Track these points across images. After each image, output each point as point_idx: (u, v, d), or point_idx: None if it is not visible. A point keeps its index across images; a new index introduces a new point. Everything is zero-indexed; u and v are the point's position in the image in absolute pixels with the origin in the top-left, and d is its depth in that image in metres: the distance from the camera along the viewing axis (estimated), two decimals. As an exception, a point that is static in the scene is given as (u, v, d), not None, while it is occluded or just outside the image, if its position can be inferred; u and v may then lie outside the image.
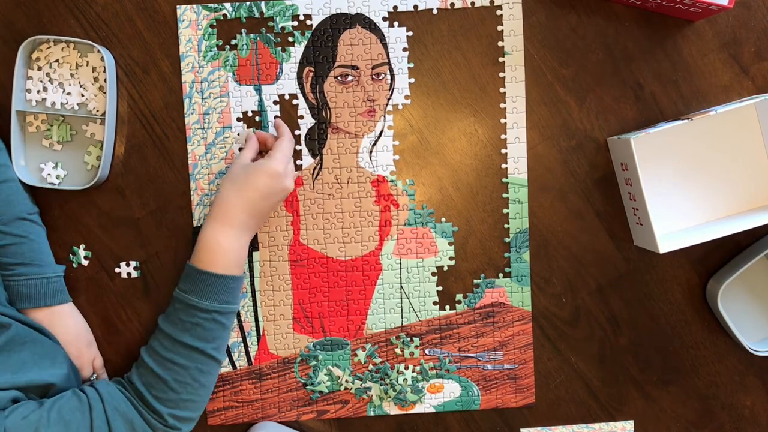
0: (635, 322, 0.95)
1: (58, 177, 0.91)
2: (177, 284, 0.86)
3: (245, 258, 0.88)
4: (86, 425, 0.76)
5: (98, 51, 0.89)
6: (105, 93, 0.89)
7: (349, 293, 0.94)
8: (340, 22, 0.92)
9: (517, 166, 0.93)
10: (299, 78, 0.92)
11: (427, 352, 0.95)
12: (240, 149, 0.92)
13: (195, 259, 0.85)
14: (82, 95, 0.90)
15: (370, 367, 0.95)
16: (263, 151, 0.91)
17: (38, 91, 0.90)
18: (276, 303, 0.94)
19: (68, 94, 0.90)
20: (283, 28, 0.92)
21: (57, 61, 0.90)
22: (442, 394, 0.95)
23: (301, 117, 0.93)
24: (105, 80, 0.89)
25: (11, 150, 0.87)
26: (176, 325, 0.83)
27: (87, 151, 0.92)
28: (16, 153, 0.88)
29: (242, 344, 0.94)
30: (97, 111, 0.91)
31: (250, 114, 0.93)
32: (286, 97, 0.93)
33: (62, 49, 0.90)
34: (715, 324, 0.95)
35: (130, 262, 0.93)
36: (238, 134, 0.92)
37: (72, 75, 0.91)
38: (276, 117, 0.92)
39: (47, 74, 0.90)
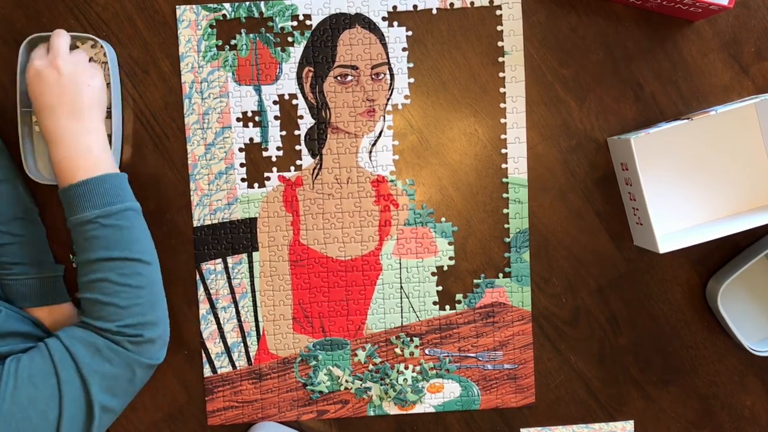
0: (635, 322, 0.95)
1: None
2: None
3: (103, 154, 0.82)
4: (47, 360, 0.73)
5: (100, 46, 0.89)
6: (109, 87, 0.89)
7: (349, 293, 0.94)
8: (339, 22, 0.92)
9: (517, 166, 0.93)
10: (299, 78, 0.92)
11: (427, 352, 0.95)
12: (242, 164, 0.92)
13: (59, 185, 0.81)
14: None
15: (370, 367, 0.95)
16: None
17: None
18: (276, 303, 0.94)
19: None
20: (282, 28, 0.92)
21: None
22: (442, 394, 0.95)
23: (301, 117, 0.93)
24: (108, 73, 0.89)
25: (19, 150, 0.87)
26: (77, 250, 0.79)
27: None
28: (25, 152, 0.88)
29: (242, 344, 0.94)
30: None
31: (249, 114, 0.93)
32: (286, 97, 0.93)
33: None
34: (715, 324, 0.95)
35: None
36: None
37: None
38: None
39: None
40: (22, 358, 0.73)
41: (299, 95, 0.93)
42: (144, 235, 0.82)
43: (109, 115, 0.90)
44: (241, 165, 0.93)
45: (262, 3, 0.91)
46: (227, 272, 0.94)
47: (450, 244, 0.94)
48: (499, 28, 0.92)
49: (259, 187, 0.93)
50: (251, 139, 0.93)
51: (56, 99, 0.80)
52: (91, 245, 0.78)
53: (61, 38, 0.83)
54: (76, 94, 0.81)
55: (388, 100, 0.93)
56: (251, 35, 0.92)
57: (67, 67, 0.81)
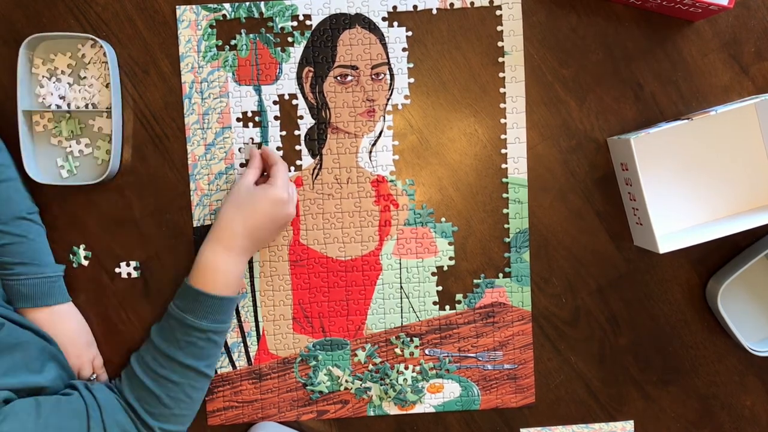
0: (635, 322, 0.95)
1: (69, 172, 0.91)
2: (173, 299, 0.86)
3: (242, 279, 0.89)
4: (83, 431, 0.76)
5: (100, 46, 0.89)
6: (108, 87, 0.90)
7: (348, 293, 0.94)
8: (339, 22, 0.92)
9: (517, 166, 0.93)
10: (299, 78, 0.92)
11: (427, 352, 0.95)
12: (242, 164, 0.92)
13: (193, 279, 0.85)
14: (87, 91, 0.90)
15: (370, 367, 0.95)
16: (264, 170, 0.91)
17: (42, 89, 0.90)
18: (276, 303, 0.94)
19: (72, 90, 0.90)
20: (282, 29, 0.92)
21: (59, 58, 0.90)
22: (442, 394, 0.95)
23: (301, 117, 0.93)
24: (108, 73, 0.89)
25: (20, 150, 0.87)
26: (171, 342, 0.83)
27: (96, 146, 0.92)
28: (26, 153, 0.88)
29: (242, 344, 0.94)
30: (103, 105, 0.91)
31: (249, 114, 0.93)
32: (286, 97, 0.93)
33: (63, 46, 0.91)
34: (715, 324, 0.95)
35: (130, 262, 0.93)
36: (240, 149, 0.92)
37: (74, 71, 0.91)
38: (254, 143, 0.92)
39: (50, 72, 0.90)
40: (61, 413, 0.75)
41: (299, 95, 0.93)
42: (219, 353, 0.89)
43: (109, 115, 0.90)
44: (241, 165, 0.93)
45: (262, 3, 0.91)
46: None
47: (450, 244, 0.94)
48: (499, 28, 0.92)
49: (259, 187, 0.93)
50: (251, 139, 0.93)
51: (265, 229, 0.87)
52: (189, 350, 0.83)
53: (288, 176, 0.90)
54: (274, 235, 0.91)
55: (388, 100, 0.93)
56: (251, 35, 0.92)
57: (292, 216, 0.89)
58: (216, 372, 0.94)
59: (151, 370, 0.83)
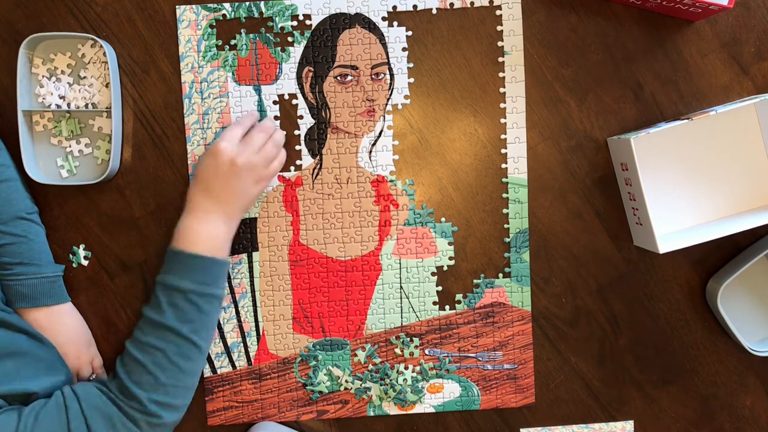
0: (635, 323, 0.95)
1: (69, 172, 0.91)
2: None
3: (226, 243, 0.87)
4: (63, 426, 0.75)
5: (100, 46, 0.89)
6: (108, 86, 0.90)
7: (348, 293, 0.94)
8: (339, 22, 0.92)
9: (516, 166, 0.93)
10: (299, 78, 0.92)
11: (426, 352, 0.95)
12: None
13: (174, 242, 0.85)
14: (87, 90, 0.90)
15: (370, 367, 0.95)
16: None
17: (42, 89, 0.90)
18: (276, 303, 0.94)
19: (72, 90, 0.90)
20: (282, 28, 0.92)
21: (59, 58, 0.90)
22: (441, 394, 0.95)
23: (301, 117, 0.93)
24: (108, 73, 0.89)
25: (20, 150, 0.87)
26: (154, 307, 0.83)
27: (96, 146, 0.92)
28: (26, 153, 0.88)
29: (242, 344, 0.94)
30: (103, 105, 0.91)
31: (286, 97, 0.92)
32: (286, 97, 0.93)
33: (63, 46, 0.91)
34: (714, 324, 0.95)
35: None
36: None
37: (74, 71, 0.91)
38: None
39: (50, 72, 0.90)
40: (39, 416, 0.75)
41: (299, 95, 0.93)
42: (214, 325, 0.87)
43: (108, 115, 0.90)
44: (241, 165, 0.93)
45: (262, 3, 0.91)
46: (227, 272, 0.93)
47: (450, 244, 0.94)
48: (499, 28, 0.92)
49: (259, 187, 0.93)
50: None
51: (219, 184, 0.85)
52: (170, 312, 0.81)
53: (242, 128, 0.88)
54: (244, 190, 0.86)
55: (388, 100, 0.93)
56: (251, 35, 0.92)
57: (242, 165, 0.85)
58: (216, 371, 0.94)
59: (137, 340, 0.82)
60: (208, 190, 0.85)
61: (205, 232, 0.85)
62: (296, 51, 0.92)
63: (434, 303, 0.94)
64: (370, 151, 0.93)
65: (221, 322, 0.94)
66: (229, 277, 0.94)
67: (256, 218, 0.93)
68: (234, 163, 0.84)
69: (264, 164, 0.87)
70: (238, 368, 0.94)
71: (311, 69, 0.92)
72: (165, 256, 0.85)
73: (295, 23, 0.92)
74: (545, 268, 0.94)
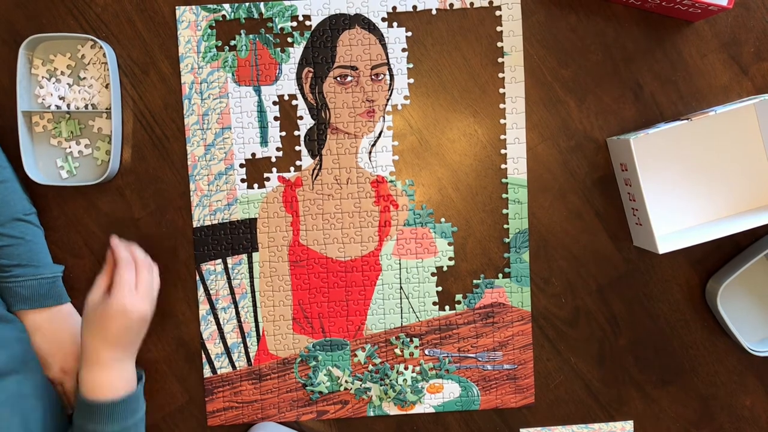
0: (635, 323, 0.95)
1: (69, 173, 0.91)
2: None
3: (132, 373, 0.84)
4: None
5: (100, 47, 0.89)
6: (108, 87, 0.90)
7: (348, 294, 0.94)
8: (339, 23, 0.92)
9: (516, 166, 0.93)
10: (298, 79, 0.92)
11: (426, 352, 0.95)
12: (241, 164, 0.92)
13: (86, 393, 0.81)
14: (86, 91, 0.91)
15: (370, 367, 0.95)
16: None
17: (42, 90, 0.90)
18: (276, 304, 0.94)
19: (72, 91, 0.90)
20: (282, 29, 0.92)
21: (58, 59, 0.90)
22: (441, 394, 0.95)
23: (301, 118, 0.93)
24: (108, 74, 0.89)
25: (20, 151, 0.87)
26: None
27: (96, 147, 0.92)
28: (25, 154, 0.88)
29: (242, 345, 0.94)
30: (102, 106, 0.91)
31: (249, 114, 0.93)
32: (286, 97, 0.93)
33: (63, 47, 0.91)
34: (714, 324, 0.95)
35: None
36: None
37: (74, 72, 0.91)
38: (112, 237, 0.86)
39: (49, 73, 0.90)
40: None
41: (299, 96, 0.93)
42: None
43: (108, 116, 0.90)
44: (241, 166, 0.93)
45: (262, 4, 0.92)
46: (227, 273, 0.94)
47: (450, 244, 0.94)
48: (498, 28, 0.92)
49: (258, 188, 0.93)
50: (251, 140, 0.93)
51: (126, 337, 0.82)
52: None
53: (131, 275, 0.83)
54: (143, 331, 0.84)
55: (388, 100, 0.93)
56: (251, 36, 0.92)
57: (148, 315, 0.83)
58: (216, 372, 0.94)
59: None
60: (119, 345, 0.81)
61: (119, 377, 0.82)
62: (296, 52, 0.92)
63: (434, 303, 0.94)
64: (370, 152, 0.93)
65: (221, 323, 0.94)
66: (229, 278, 0.94)
67: (256, 219, 0.93)
68: (145, 319, 0.83)
69: (154, 291, 0.86)
70: (238, 369, 0.94)
71: (311, 70, 0.92)
72: (76, 403, 0.81)
73: (294, 24, 0.92)
74: (545, 268, 0.94)
